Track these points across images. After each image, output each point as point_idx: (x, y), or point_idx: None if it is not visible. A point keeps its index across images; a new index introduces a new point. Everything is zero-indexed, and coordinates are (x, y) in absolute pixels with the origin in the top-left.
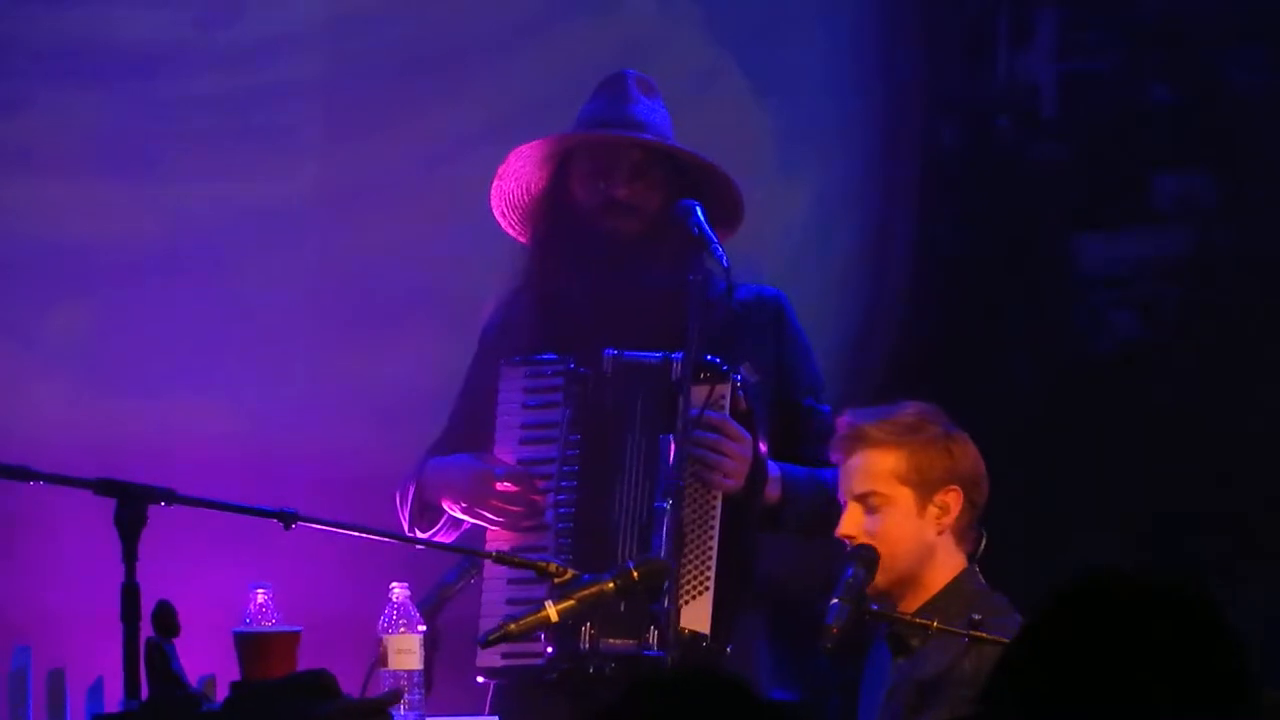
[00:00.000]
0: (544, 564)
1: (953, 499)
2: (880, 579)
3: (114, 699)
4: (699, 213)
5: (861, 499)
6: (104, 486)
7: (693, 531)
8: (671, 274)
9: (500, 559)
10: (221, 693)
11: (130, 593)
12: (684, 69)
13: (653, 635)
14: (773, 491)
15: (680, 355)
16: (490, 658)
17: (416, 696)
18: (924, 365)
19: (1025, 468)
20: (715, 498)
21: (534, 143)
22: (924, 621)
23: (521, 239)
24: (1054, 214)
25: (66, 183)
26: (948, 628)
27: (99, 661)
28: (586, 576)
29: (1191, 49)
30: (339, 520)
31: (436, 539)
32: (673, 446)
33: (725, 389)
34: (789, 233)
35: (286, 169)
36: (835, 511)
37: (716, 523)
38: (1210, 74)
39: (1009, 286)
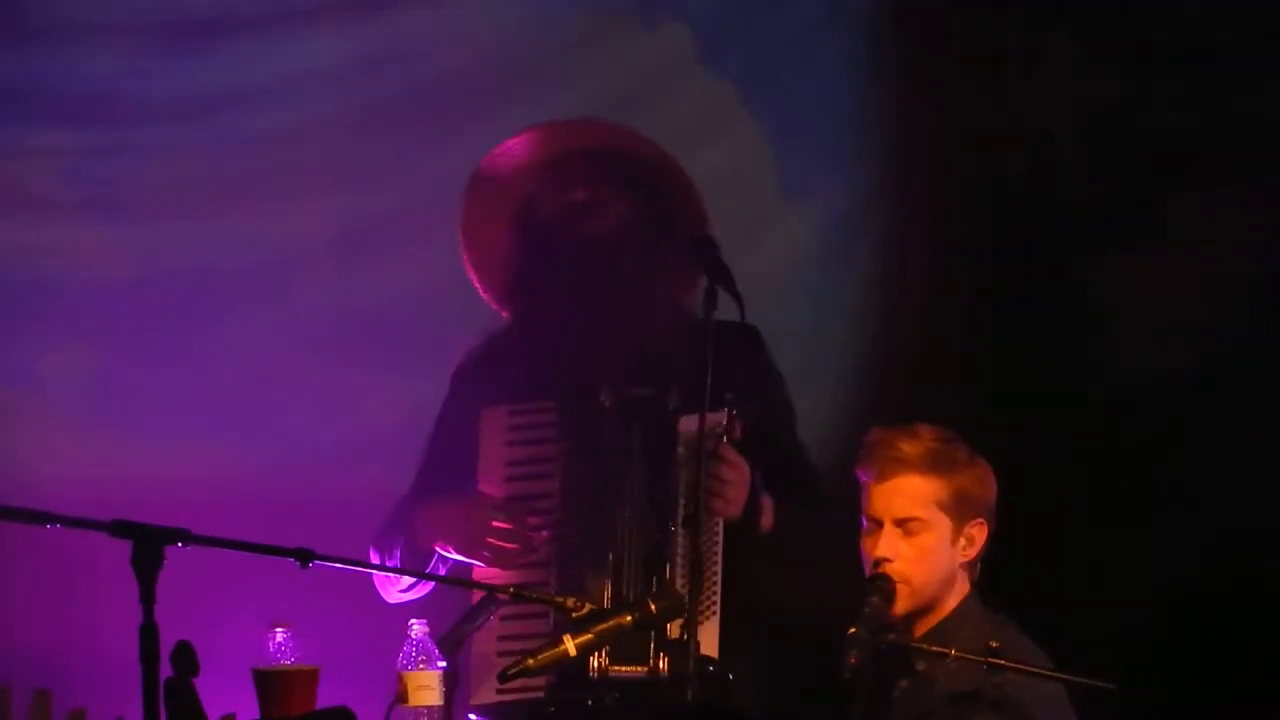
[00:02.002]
0: (561, 598)
1: (978, 533)
2: (905, 604)
3: None
4: (715, 246)
5: (902, 523)
6: (119, 528)
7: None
8: (645, 287)
9: (518, 595)
10: None
11: (149, 633)
12: (684, 100)
13: (662, 661)
14: (766, 519)
15: (674, 386)
16: (486, 694)
17: None
18: (936, 393)
19: (1041, 498)
20: (717, 524)
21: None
22: (942, 650)
23: (485, 291)
24: (1070, 241)
25: (71, 227)
26: (965, 655)
27: (119, 702)
28: (602, 611)
29: (1208, 71)
30: (355, 558)
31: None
32: (675, 475)
33: (722, 418)
34: (796, 262)
35: (295, 212)
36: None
37: (720, 549)
38: (1228, 96)
39: (1024, 315)
